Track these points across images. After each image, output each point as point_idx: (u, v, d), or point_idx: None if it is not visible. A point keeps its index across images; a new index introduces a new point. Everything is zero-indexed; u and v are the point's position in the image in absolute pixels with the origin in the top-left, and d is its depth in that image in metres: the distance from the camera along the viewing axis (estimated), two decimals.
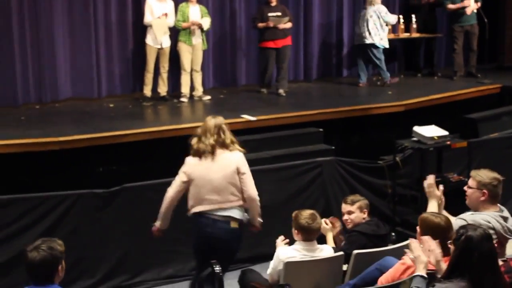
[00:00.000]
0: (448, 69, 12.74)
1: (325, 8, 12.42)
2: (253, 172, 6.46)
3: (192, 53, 10.19)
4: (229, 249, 5.61)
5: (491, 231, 4.59)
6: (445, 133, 7.66)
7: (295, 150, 8.18)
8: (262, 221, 5.78)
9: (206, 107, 9.89)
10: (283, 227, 5.64)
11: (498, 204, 4.90)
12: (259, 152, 7.98)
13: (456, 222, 4.64)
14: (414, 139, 7.68)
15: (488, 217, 4.75)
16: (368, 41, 11.28)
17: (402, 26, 12.35)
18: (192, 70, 10.24)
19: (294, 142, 8.22)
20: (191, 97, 10.28)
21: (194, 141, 5.63)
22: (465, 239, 3.78)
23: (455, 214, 4.91)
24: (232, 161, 5.58)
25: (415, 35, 12.45)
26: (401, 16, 12.38)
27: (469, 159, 7.92)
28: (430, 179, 5.10)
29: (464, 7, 11.85)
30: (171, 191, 5.68)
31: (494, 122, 9.66)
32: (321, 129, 8.67)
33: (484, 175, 4.88)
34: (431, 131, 7.65)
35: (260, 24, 10.64)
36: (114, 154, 8.03)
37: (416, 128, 7.71)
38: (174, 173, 5.72)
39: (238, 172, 5.57)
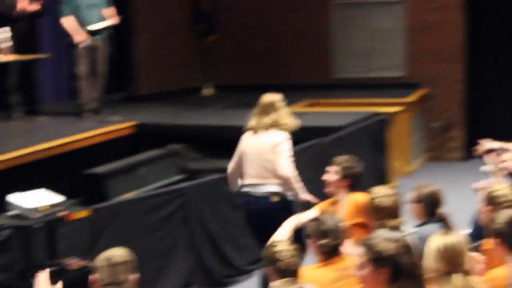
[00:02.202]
0: (60, 104, 12.20)
1: None
2: None
3: None
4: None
5: None
6: (59, 199, 6.96)
7: None
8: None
9: None
10: None
11: None
12: None
13: None
14: (12, 213, 6.87)
15: None
16: None
17: None
18: None
19: None
20: None
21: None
22: None
23: None
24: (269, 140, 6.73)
25: (9, 57, 10.75)
26: None
27: (93, 234, 7.24)
28: (42, 275, 4.57)
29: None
30: None
31: (128, 176, 9.56)
32: None
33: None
34: (36, 199, 6.91)
35: None
36: None
37: (12, 198, 6.86)
38: None
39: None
